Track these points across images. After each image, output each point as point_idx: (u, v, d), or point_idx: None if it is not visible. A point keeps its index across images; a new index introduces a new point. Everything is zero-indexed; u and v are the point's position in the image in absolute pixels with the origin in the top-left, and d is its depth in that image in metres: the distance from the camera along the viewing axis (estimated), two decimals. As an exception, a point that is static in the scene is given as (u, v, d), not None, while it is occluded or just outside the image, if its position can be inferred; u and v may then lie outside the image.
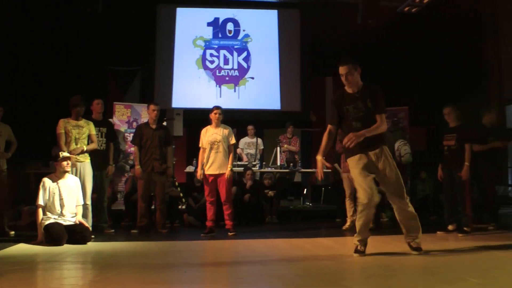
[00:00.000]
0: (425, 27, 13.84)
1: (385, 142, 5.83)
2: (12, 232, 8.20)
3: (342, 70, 5.90)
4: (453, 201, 8.08)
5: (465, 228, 7.75)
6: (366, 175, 5.68)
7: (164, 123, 10.71)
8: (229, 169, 8.19)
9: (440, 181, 8.39)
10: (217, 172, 8.20)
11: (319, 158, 5.92)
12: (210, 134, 8.31)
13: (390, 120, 12.30)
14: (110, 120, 10.43)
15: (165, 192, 9.10)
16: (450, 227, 8.02)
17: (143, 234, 8.34)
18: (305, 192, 12.46)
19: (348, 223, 8.96)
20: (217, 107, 8.42)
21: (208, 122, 8.48)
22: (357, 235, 5.81)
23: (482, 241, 6.99)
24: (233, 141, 8.42)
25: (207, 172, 8.21)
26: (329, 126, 6.11)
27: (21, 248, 6.73)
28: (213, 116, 8.35)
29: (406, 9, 13.03)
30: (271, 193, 10.50)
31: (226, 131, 8.33)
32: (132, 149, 9.47)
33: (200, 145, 8.43)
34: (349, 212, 9.05)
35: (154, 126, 8.85)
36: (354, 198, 8.92)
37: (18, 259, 5.82)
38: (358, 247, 5.77)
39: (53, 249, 6.50)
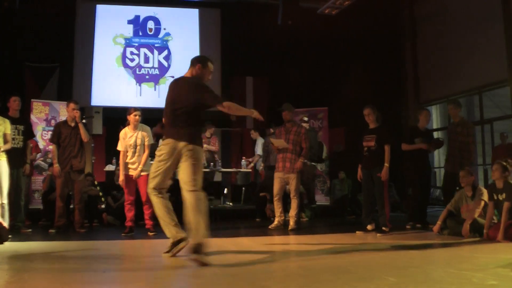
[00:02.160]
0: (345, 29, 14.14)
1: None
2: None
3: None
4: (371, 201, 8.25)
5: (383, 228, 7.92)
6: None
7: (84, 121, 10.61)
8: (139, 169, 8.18)
9: (360, 181, 8.53)
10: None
11: None
12: (129, 137, 8.27)
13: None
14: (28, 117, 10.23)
15: (83, 191, 9.03)
16: (369, 227, 8.17)
17: (61, 234, 8.23)
18: (225, 191, 12.53)
19: (276, 222, 9.01)
20: (135, 109, 8.36)
21: (127, 120, 8.44)
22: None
23: (400, 240, 7.22)
24: (150, 141, 8.40)
25: (127, 173, 8.21)
26: None
27: None
28: (132, 118, 8.27)
29: (326, 11, 13.27)
30: (190, 192, 10.52)
31: (145, 133, 8.32)
32: (50, 147, 9.34)
33: (118, 148, 8.40)
34: (277, 211, 9.10)
35: (72, 124, 8.76)
36: (281, 198, 9.13)
37: None
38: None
39: (-32, 249, 6.38)
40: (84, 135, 8.72)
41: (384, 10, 13.89)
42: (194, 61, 5.97)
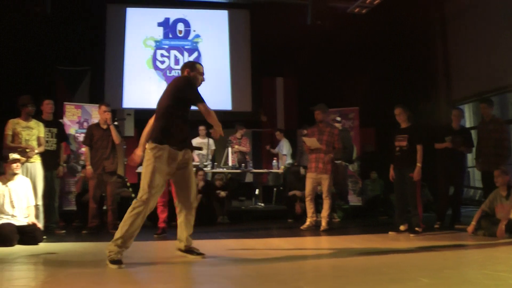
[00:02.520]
0: (375, 28, 14.05)
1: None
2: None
3: None
4: (404, 202, 8.18)
5: (416, 228, 7.86)
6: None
7: (116, 123, 10.70)
8: None
9: (392, 182, 8.46)
10: None
11: None
12: None
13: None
14: (60, 120, 10.32)
15: (116, 193, 9.10)
16: (401, 228, 8.09)
17: (94, 235, 8.30)
18: (256, 192, 12.52)
19: (307, 223, 8.97)
20: None
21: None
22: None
23: (433, 241, 7.12)
24: None
25: None
26: None
27: (-29, 249, 6.67)
28: None
29: (356, 10, 13.20)
30: (222, 193, 10.55)
31: None
32: (83, 149, 9.43)
33: None
34: (309, 212, 9.05)
35: (104, 127, 8.83)
36: (314, 199, 9.09)
37: (-32, 260, 5.78)
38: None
39: (4, 250, 6.45)
40: (115, 137, 8.79)
41: (414, 8, 13.73)
42: (182, 68, 5.89)
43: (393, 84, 13.94)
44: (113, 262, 5.06)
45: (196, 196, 5.74)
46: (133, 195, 10.38)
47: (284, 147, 12.69)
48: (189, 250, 5.73)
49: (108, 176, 8.76)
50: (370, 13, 13.31)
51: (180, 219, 5.74)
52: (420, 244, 6.82)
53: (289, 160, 12.64)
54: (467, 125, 15.15)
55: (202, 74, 5.87)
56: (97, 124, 8.98)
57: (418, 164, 7.89)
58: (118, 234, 5.23)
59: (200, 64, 5.94)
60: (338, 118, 11.21)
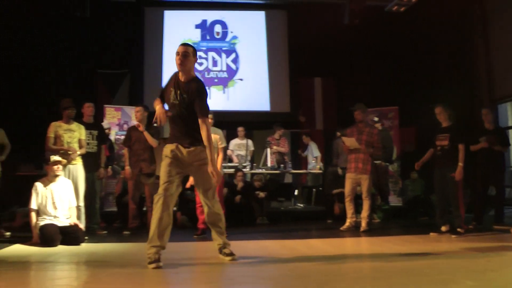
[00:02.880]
0: (413, 27, 13.92)
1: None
2: (8, 233, 8.25)
3: None
4: (445, 202, 8.06)
5: (458, 229, 7.75)
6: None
7: (154, 125, 10.76)
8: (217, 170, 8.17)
9: (433, 181, 8.36)
10: None
11: None
12: None
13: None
14: (103, 124, 10.41)
15: (155, 193, 9.15)
16: (443, 228, 8.00)
17: (135, 235, 8.35)
18: (295, 193, 12.49)
19: (347, 224, 8.92)
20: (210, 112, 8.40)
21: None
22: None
23: (476, 242, 7.02)
24: (223, 144, 8.40)
25: None
26: None
27: (16, 249, 6.79)
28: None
29: (394, 8, 13.11)
30: (261, 194, 10.53)
31: (217, 136, 8.30)
32: (123, 151, 9.52)
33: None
34: (349, 213, 8.99)
35: (141, 128, 8.88)
36: (354, 199, 9.04)
37: (13, 259, 5.89)
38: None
39: (47, 250, 6.56)
40: (150, 141, 8.80)
41: (453, 5, 13.56)
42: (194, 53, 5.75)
43: (433, 82, 13.78)
44: (150, 262, 5.10)
45: (213, 195, 5.66)
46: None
47: (314, 150, 12.66)
48: (219, 250, 5.74)
49: (146, 177, 8.81)
50: (409, 11, 13.19)
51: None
52: (462, 245, 6.72)
53: (319, 163, 12.63)
54: (510, 123, 14.90)
55: (177, 53, 5.60)
56: (135, 127, 9.04)
57: (460, 164, 7.77)
58: (150, 233, 5.26)
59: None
60: (376, 119, 11.10)
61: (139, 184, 8.81)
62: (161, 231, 5.24)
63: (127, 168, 8.80)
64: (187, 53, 5.50)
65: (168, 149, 5.53)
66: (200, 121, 5.41)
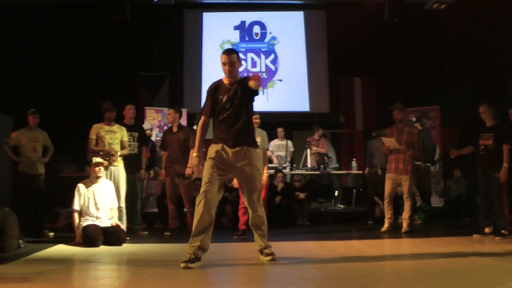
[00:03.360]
0: (454, 24, 13.74)
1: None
2: (52, 234, 8.39)
3: None
4: (489, 203, 7.92)
5: (502, 231, 7.60)
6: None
7: (194, 127, 10.85)
8: (266, 175, 8.19)
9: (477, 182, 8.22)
10: None
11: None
12: None
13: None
14: (144, 125, 10.49)
15: (191, 195, 9.19)
16: (486, 230, 7.86)
17: (175, 236, 8.41)
18: (336, 194, 12.43)
19: (386, 225, 8.83)
20: (254, 113, 8.41)
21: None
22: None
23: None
24: (266, 145, 8.39)
25: None
26: None
27: (60, 249, 6.91)
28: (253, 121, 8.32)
29: (434, 6, 12.96)
30: (302, 195, 10.51)
31: (258, 138, 8.30)
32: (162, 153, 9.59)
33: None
34: (387, 214, 8.89)
35: (175, 130, 8.96)
36: (392, 200, 8.96)
37: (57, 259, 6.01)
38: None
39: (90, 250, 6.66)
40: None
41: (496, 1, 13.34)
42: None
43: (476, 81, 13.57)
44: (184, 261, 5.16)
45: (258, 198, 5.66)
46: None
47: (329, 150, 12.65)
48: (259, 251, 5.74)
49: (180, 179, 8.84)
50: (449, 8, 13.02)
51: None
52: (506, 247, 6.61)
53: (335, 164, 12.62)
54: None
55: (223, 64, 5.82)
56: (170, 128, 9.10)
57: (505, 164, 7.61)
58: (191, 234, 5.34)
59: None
60: (414, 118, 10.99)
61: (175, 185, 8.86)
62: (201, 232, 5.29)
63: (163, 171, 8.90)
64: (232, 62, 5.73)
65: (213, 149, 5.59)
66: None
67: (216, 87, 5.82)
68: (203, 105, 5.92)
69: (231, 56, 5.73)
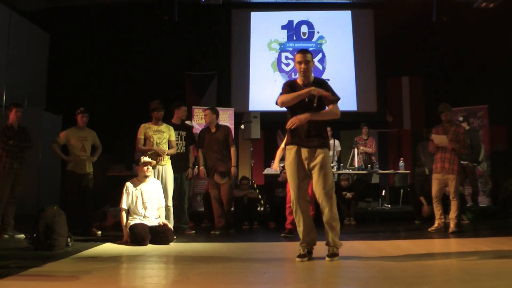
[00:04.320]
0: (503, 23, 13.51)
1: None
2: (99, 232, 8.48)
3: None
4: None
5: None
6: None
7: (242, 126, 10.94)
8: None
9: None
10: None
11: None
12: None
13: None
14: (188, 122, 10.53)
15: (231, 194, 9.24)
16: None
17: (223, 235, 8.47)
18: (383, 193, 12.33)
19: (436, 225, 8.74)
20: None
21: (284, 124, 8.49)
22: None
23: None
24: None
25: None
26: None
27: (108, 247, 6.99)
28: None
29: (483, 4, 12.77)
30: (349, 194, 10.44)
31: None
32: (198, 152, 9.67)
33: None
34: (437, 214, 8.80)
35: (213, 130, 9.01)
36: (441, 200, 8.85)
37: (105, 257, 6.07)
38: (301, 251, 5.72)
39: (137, 249, 6.72)
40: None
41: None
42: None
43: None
44: (297, 256, 5.62)
45: (328, 195, 5.71)
46: (259, 196, 10.49)
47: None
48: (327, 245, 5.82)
49: (220, 177, 8.89)
50: (498, 7, 12.80)
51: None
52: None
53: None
54: None
55: (298, 62, 5.88)
56: (208, 128, 9.16)
57: None
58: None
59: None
60: (461, 118, 10.84)
61: (217, 184, 8.91)
62: (306, 232, 5.70)
63: (201, 168, 8.97)
64: (307, 61, 5.79)
65: (290, 152, 5.76)
66: (331, 106, 5.78)
67: (291, 86, 5.86)
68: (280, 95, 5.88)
69: (306, 55, 5.80)
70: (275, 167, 8.92)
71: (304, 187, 5.75)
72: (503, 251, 6.28)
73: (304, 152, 5.67)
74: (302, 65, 5.76)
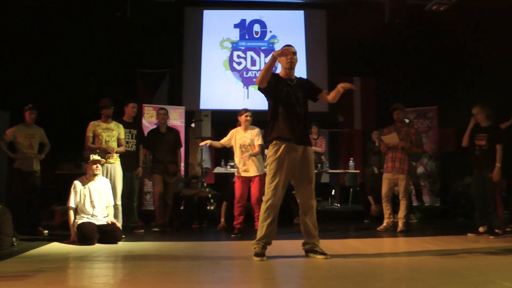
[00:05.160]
0: (454, 26, 13.76)
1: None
2: (46, 231, 8.38)
3: None
4: (484, 202, 7.94)
5: (496, 230, 7.64)
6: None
7: (192, 125, 10.90)
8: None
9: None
10: (249, 175, 8.25)
11: None
12: (240, 138, 8.32)
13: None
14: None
15: (193, 193, 9.28)
16: (481, 229, 7.91)
17: (173, 234, 8.48)
18: (333, 193, 12.44)
19: (384, 224, 8.89)
20: (246, 110, 8.43)
21: (235, 123, 8.53)
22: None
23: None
24: (259, 141, 8.39)
25: (239, 175, 8.27)
26: None
27: (55, 247, 6.89)
28: (243, 119, 8.32)
29: (434, 7, 13.00)
30: (298, 194, 10.48)
31: (254, 133, 8.34)
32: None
33: (223, 141, 8.52)
34: (386, 213, 8.95)
35: (164, 131, 9.14)
36: (390, 199, 8.97)
37: (52, 257, 5.96)
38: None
39: (85, 248, 6.65)
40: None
41: (495, 4, 13.33)
42: None
43: (474, 82, 13.57)
44: (256, 255, 5.58)
45: (311, 195, 5.91)
46: (210, 195, 10.47)
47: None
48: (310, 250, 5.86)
49: (169, 177, 8.97)
50: (449, 10, 13.04)
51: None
52: (500, 246, 6.66)
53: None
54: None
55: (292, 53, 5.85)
56: (157, 129, 9.26)
57: (498, 165, 7.66)
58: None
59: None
60: (407, 120, 11.01)
61: (162, 182, 8.93)
62: (270, 231, 5.69)
63: (140, 169, 9.00)
64: (295, 52, 5.83)
65: (278, 149, 5.70)
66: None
67: (275, 76, 5.86)
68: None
69: (293, 47, 5.82)
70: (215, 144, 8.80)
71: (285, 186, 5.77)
72: (450, 250, 6.40)
73: (294, 148, 5.67)
74: (290, 57, 5.76)
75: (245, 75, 15.40)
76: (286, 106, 5.70)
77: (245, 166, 8.23)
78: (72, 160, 11.34)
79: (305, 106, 5.80)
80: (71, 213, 7.24)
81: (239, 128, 8.41)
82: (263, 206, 5.69)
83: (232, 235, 8.11)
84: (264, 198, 5.70)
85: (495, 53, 13.71)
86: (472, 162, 8.11)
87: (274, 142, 5.72)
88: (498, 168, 7.65)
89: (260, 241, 5.67)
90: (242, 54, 15.56)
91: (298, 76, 6.02)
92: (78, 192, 7.29)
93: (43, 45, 13.25)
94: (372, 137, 11.67)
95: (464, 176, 11.22)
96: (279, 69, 6.06)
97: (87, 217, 7.21)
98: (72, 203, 7.23)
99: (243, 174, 8.24)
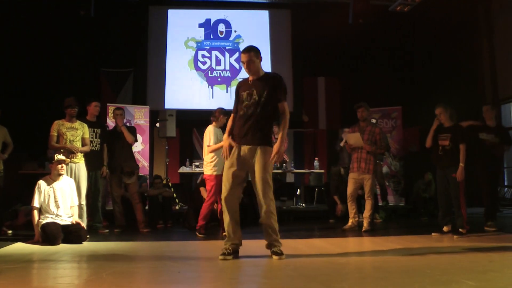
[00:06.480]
0: (417, 26, 13.92)
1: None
2: (10, 231, 8.30)
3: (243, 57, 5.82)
4: (448, 202, 8.04)
5: (460, 230, 7.73)
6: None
7: (157, 124, 10.85)
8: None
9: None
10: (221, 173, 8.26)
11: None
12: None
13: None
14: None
15: (138, 191, 9.29)
16: (445, 229, 7.99)
17: (139, 235, 8.47)
18: (298, 192, 12.49)
19: (349, 224, 8.92)
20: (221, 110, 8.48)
21: (200, 123, 8.51)
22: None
23: (478, 242, 7.02)
24: (210, 142, 8.32)
25: (215, 173, 8.23)
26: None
27: (18, 247, 6.82)
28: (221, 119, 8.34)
29: (398, 8, 13.12)
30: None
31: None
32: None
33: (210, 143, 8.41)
34: (351, 213, 8.98)
35: (118, 130, 9.11)
36: (355, 199, 9.04)
37: (15, 257, 5.89)
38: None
39: (49, 248, 6.58)
40: (127, 136, 8.95)
41: (458, 5, 13.55)
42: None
43: (438, 82, 13.76)
44: (222, 254, 5.61)
45: (264, 195, 5.93)
46: (174, 195, 10.45)
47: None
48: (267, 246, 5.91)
49: (127, 177, 8.93)
50: (413, 11, 13.19)
51: None
52: (464, 245, 6.72)
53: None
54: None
55: (242, 63, 5.86)
56: (115, 128, 9.24)
57: (461, 164, 7.73)
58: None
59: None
60: (374, 120, 11.12)
61: (120, 183, 8.97)
62: (233, 230, 5.82)
63: (104, 168, 8.95)
64: (251, 60, 5.75)
65: (232, 149, 5.82)
66: (280, 104, 5.73)
67: (239, 87, 5.97)
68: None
69: (249, 54, 5.76)
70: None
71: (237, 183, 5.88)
72: (414, 248, 6.45)
73: (244, 149, 5.72)
74: (245, 65, 5.80)
75: (209, 75, 15.41)
76: (241, 109, 5.77)
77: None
78: (35, 160, 11.22)
79: (265, 104, 5.69)
80: (35, 213, 7.16)
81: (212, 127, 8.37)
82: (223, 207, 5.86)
83: (199, 235, 8.10)
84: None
85: (458, 53, 13.96)
86: (436, 162, 8.20)
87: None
88: (462, 168, 7.72)
89: (227, 241, 5.75)
90: (206, 54, 15.57)
91: (242, 77, 6.11)
92: (43, 192, 7.23)
93: (5, 43, 13.07)
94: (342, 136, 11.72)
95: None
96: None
97: (52, 217, 7.15)
98: (36, 203, 7.16)
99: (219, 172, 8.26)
